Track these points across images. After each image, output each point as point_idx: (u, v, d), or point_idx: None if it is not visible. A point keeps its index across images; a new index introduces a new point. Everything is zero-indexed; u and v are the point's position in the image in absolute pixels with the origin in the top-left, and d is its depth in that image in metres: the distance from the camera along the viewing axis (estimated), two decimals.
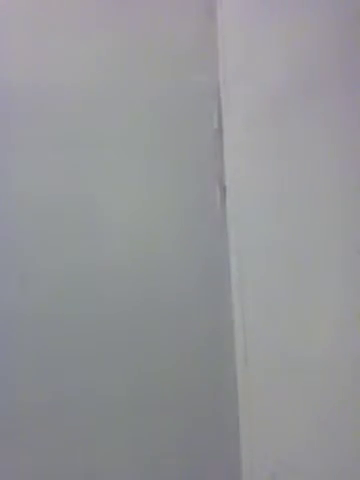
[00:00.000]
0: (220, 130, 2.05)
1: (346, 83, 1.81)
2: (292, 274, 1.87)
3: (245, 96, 2.00)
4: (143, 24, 2.04)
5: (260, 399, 1.91)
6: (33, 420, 1.84)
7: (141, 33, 2.03)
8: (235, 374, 1.97)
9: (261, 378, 1.91)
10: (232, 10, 2.05)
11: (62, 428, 1.86)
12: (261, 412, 1.90)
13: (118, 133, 2.00)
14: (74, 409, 1.87)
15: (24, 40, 1.96)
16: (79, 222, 1.94)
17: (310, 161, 1.87)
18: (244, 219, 1.99)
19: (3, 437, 1.82)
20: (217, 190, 2.05)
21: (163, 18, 2.05)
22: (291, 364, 1.84)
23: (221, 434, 1.94)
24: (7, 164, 1.92)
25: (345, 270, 1.77)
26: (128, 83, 2.00)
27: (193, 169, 2.04)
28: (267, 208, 1.95)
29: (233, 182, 2.04)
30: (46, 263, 1.90)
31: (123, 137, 2.00)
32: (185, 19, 2.06)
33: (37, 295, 1.89)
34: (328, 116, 1.83)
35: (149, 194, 2.00)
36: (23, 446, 1.83)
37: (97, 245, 1.94)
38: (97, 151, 1.98)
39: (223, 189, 2.05)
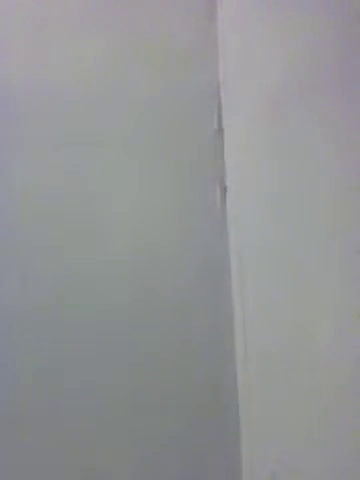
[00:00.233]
0: (220, 130, 2.06)
1: (345, 83, 1.81)
2: (292, 274, 1.87)
3: (245, 96, 2.00)
4: (143, 24, 2.04)
5: (260, 399, 1.91)
6: (33, 419, 1.84)
7: (141, 33, 2.03)
8: (235, 373, 1.97)
9: (261, 378, 1.91)
10: (232, 10, 2.05)
11: (62, 427, 1.86)
12: (261, 412, 1.90)
13: (118, 133, 2.00)
14: (74, 408, 1.87)
15: (24, 39, 1.96)
16: (79, 222, 1.94)
17: (310, 161, 1.86)
18: (244, 219, 1.99)
19: (3, 437, 1.82)
20: (217, 190, 2.05)
21: (163, 18, 2.05)
22: (291, 364, 1.84)
23: (221, 434, 1.94)
24: (7, 164, 1.92)
25: (345, 270, 1.76)
26: (128, 83, 2.01)
27: (193, 169, 2.04)
28: (267, 208, 1.95)
29: (233, 182, 2.04)
30: (46, 263, 1.90)
31: (123, 137, 2.00)
32: (185, 19, 2.06)
33: (37, 295, 1.89)
34: (327, 116, 1.83)
35: (149, 194, 2.00)
36: (23, 446, 1.83)
37: (97, 245, 1.94)
38: (97, 151, 1.98)
39: (223, 189, 2.05)
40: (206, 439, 1.94)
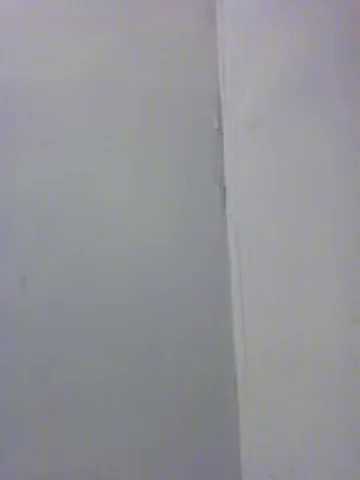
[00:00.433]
0: (220, 130, 2.05)
1: (346, 83, 1.81)
2: (292, 274, 1.87)
3: (245, 96, 2.00)
4: (143, 24, 2.04)
5: (260, 399, 1.91)
6: (33, 419, 1.84)
7: (141, 33, 2.03)
8: (235, 373, 1.97)
9: (261, 378, 1.91)
10: (232, 10, 2.05)
11: (62, 427, 1.86)
12: (261, 412, 1.90)
13: (118, 133, 2.00)
14: (74, 407, 1.87)
15: (23, 39, 1.97)
16: (79, 222, 1.94)
17: (310, 161, 1.86)
18: (244, 219, 1.99)
19: (3, 436, 1.82)
20: (217, 190, 2.05)
21: (163, 18, 2.05)
22: (291, 364, 1.84)
23: (221, 434, 1.94)
24: (6, 164, 1.93)
25: (345, 270, 1.76)
26: (128, 83, 2.01)
27: (193, 169, 2.04)
28: (267, 208, 1.94)
29: (233, 182, 2.03)
30: (46, 263, 1.91)
31: (123, 137, 2.00)
32: (185, 19, 2.06)
33: (37, 295, 1.89)
34: (327, 116, 1.83)
35: (149, 194, 2.00)
36: (24, 445, 1.83)
37: (97, 245, 1.94)
38: (97, 151, 1.98)
39: (223, 189, 2.05)
40: (206, 440, 1.94)
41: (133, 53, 2.02)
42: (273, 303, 1.91)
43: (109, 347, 1.92)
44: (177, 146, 2.04)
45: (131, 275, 1.96)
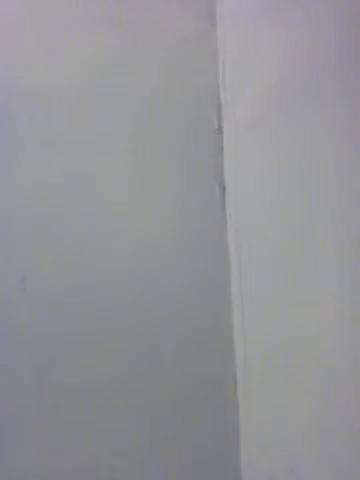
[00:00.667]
0: (220, 130, 2.05)
1: (346, 83, 1.81)
2: (292, 274, 1.87)
3: (245, 96, 2.00)
4: (143, 24, 2.04)
5: (260, 399, 1.91)
6: (33, 419, 1.84)
7: (141, 33, 2.03)
8: (235, 373, 1.97)
9: (261, 378, 1.91)
10: (232, 10, 2.05)
11: (62, 426, 1.86)
12: (261, 412, 1.90)
13: (118, 133, 2.00)
14: (74, 407, 1.87)
15: (22, 39, 1.97)
16: (79, 222, 1.94)
17: (310, 161, 1.87)
18: (244, 219, 1.99)
19: (3, 436, 1.82)
20: (217, 190, 2.04)
21: (163, 18, 2.05)
22: (291, 364, 1.84)
23: (221, 434, 1.94)
24: (6, 163, 1.92)
25: (345, 270, 1.77)
26: (127, 83, 2.00)
27: (193, 169, 2.04)
28: (267, 208, 1.95)
29: (233, 182, 2.03)
30: (46, 263, 1.91)
31: (123, 137, 2.00)
32: (185, 19, 2.06)
33: (37, 295, 1.89)
34: (327, 116, 1.83)
35: (149, 194, 2.00)
36: (24, 445, 1.83)
37: (97, 245, 1.94)
38: (97, 151, 1.98)
39: (223, 189, 2.05)
40: (206, 440, 1.94)
41: (133, 53, 2.02)
42: (273, 303, 1.91)
43: (109, 347, 1.92)
44: (177, 146, 2.04)
45: (131, 275, 1.96)
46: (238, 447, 1.93)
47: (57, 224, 1.93)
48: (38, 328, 1.88)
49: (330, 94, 1.82)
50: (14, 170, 1.93)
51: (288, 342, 1.86)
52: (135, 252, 1.96)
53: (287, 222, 1.90)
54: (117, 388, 1.90)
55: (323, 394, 1.77)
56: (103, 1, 2.03)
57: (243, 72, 2.01)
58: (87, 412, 1.87)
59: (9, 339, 1.86)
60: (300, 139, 1.88)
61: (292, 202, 1.89)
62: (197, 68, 2.05)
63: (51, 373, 1.87)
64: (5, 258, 1.89)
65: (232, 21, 2.04)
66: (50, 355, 1.87)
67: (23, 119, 1.94)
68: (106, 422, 1.88)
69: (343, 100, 1.81)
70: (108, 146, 1.99)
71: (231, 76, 2.04)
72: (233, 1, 2.05)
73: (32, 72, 1.96)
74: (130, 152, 2.01)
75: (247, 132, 2.00)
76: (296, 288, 1.86)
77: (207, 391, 1.96)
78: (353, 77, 1.79)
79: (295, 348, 1.84)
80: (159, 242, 1.98)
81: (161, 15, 2.05)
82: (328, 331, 1.78)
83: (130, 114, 2.01)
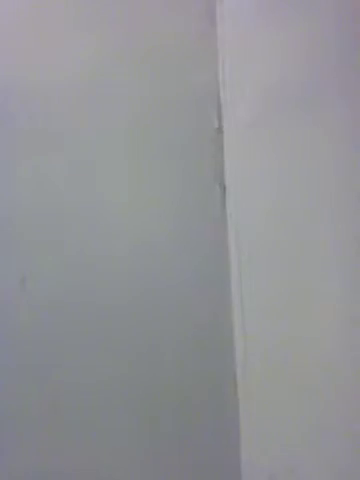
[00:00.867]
0: (220, 130, 2.05)
1: (346, 83, 1.81)
2: (292, 274, 1.87)
3: (245, 96, 2.00)
4: (142, 24, 2.03)
5: (260, 399, 1.91)
6: (33, 419, 1.84)
7: (140, 33, 2.03)
8: (235, 373, 1.97)
9: (261, 378, 1.91)
10: (232, 10, 2.04)
11: (62, 427, 1.86)
12: (261, 412, 1.90)
13: (117, 133, 2.00)
14: (74, 407, 1.87)
15: (22, 39, 1.97)
16: (79, 222, 1.94)
17: (310, 161, 1.87)
18: (244, 219, 1.99)
19: (3, 436, 1.82)
20: (217, 190, 2.04)
21: (163, 18, 2.05)
22: (291, 364, 1.84)
23: (221, 433, 1.94)
24: (6, 163, 1.92)
25: (345, 270, 1.77)
26: (127, 83, 2.00)
27: (193, 169, 2.04)
28: (267, 208, 1.95)
29: (233, 182, 2.03)
30: (46, 263, 1.91)
31: (123, 137, 2.00)
32: (185, 19, 2.06)
33: (37, 295, 1.89)
34: (328, 116, 1.83)
35: (149, 194, 2.00)
36: (24, 445, 1.83)
37: (97, 245, 1.94)
38: (96, 151, 1.98)
39: (223, 188, 2.05)
40: (205, 438, 1.94)
41: (133, 53, 2.02)
42: (273, 303, 1.91)
43: (109, 346, 1.92)
44: (177, 146, 2.03)
45: (131, 274, 1.96)
46: (238, 447, 1.93)
47: (57, 224, 1.93)
48: (38, 328, 1.88)
49: (330, 94, 1.82)
50: (14, 170, 1.93)
51: (288, 342, 1.86)
52: (135, 252, 1.96)
53: (287, 222, 1.90)
54: (117, 388, 1.90)
55: (323, 394, 1.77)
56: (103, 1, 2.03)
57: (243, 72, 2.01)
58: (87, 412, 1.87)
59: (9, 339, 1.86)
60: (300, 139, 1.88)
61: (292, 202, 1.89)
62: (197, 68, 2.05)
63: (51, 373, 1.87)
64: (5, 258, 1.89)
65: (232, 21, 2.04)
66: (50, 355, 1.88)
67: (23, 119, 1.94)
68: (106, 422, 1.89)
69: (343, 100, 1.81)
70: (108, 146, 1.99)
71: (231, 76, 2.04)
72: (233, 1, 2.05)
73: (32, 72, 1.96)
74: (130, 152, 2.00)
75: (247, 132, 1.99)
76: (296, 288, 1.86)
77: (207, 391, 1.96)
78: (353, 77, 1.79)
79: (295, 348, 1.84)
80: (159, 242, 1.98)
81: (161, 15, 2.05)
82: (328, 331, 1.78)
83: (130, 114, 2.01)
